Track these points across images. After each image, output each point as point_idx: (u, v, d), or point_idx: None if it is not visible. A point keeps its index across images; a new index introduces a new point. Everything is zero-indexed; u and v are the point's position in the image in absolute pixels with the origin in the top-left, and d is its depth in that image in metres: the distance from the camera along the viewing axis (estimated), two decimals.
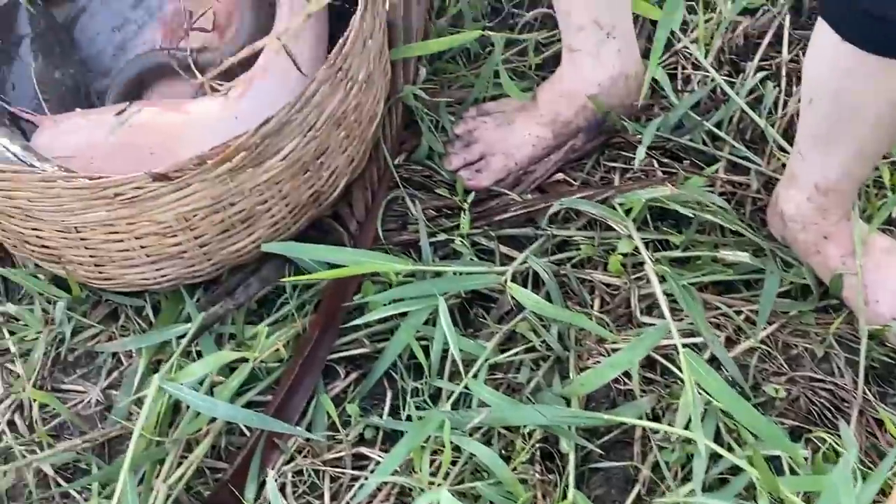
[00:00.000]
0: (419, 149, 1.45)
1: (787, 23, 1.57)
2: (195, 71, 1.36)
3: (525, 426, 1.18)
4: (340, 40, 1.22)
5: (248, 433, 1.23)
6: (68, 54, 1.43)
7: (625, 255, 1.32)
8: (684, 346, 1.13)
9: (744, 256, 1.31)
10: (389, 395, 1.27)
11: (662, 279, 1.24)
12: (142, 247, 1.25)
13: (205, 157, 1.16)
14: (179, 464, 1.20)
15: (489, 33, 1.48)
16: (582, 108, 1.42)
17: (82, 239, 1.25)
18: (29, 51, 1.41)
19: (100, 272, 1.30)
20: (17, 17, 1.43)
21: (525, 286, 1.30)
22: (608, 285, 1.34)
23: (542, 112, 1.42)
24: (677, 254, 1.34)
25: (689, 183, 1.36)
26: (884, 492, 1.08)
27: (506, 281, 1.27)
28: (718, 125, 1.45)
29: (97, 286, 1.33)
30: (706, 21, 1.55)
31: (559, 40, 1.55)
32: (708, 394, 1.13)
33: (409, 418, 1.23)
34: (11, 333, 1.34)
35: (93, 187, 1.16)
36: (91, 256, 1.27)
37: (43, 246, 1.28)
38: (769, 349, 1.27)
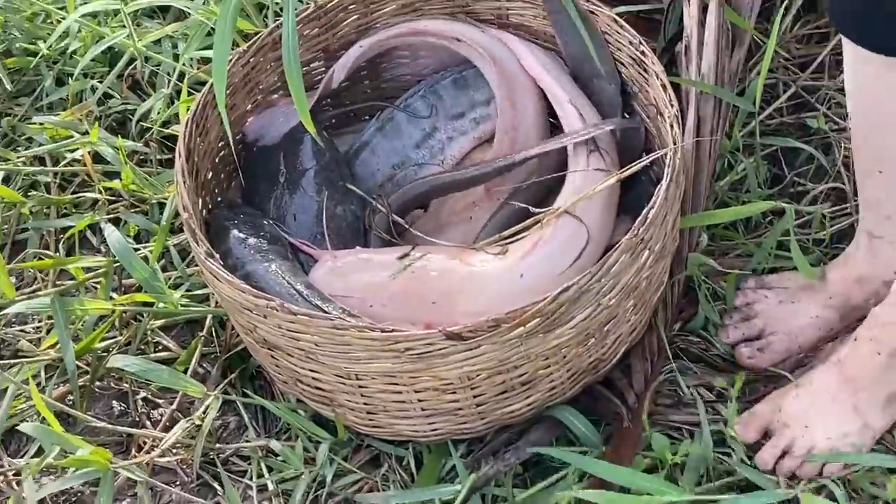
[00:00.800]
0: (696, 318, 1.43)
1: None
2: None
3: None
4: (645, 210, 1.21)
5: None
6: (349, 189, 1.45)
7: None
8: None
9: None
10: None
11: None
12: (419, 400, 1.25)
13: (500, 321, 1.16)
14: None
15: (778, 204, 1.45)
16: (875, 293, 1.37)
17: (360, 386, 1.25)
18: (312, 183, 1.44)
19: (370, 419, 1.30)
20: (303, 147, 1.46)
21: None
22: None
23: (832, 294, 1.39)
24: None
25: None
26: None
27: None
28: None
29: (363, 432, 1.34)
30: None
31: (846, 215, 1.52)
32: None
33: None
34: (270, 470, 1.35)
35: (384, 340, 1.17)
36: (365, 404, 1.28)
37: (317, 387, 1.29)
38: None
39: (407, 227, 1.42)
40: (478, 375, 1.22)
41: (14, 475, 1.38)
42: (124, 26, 1.71)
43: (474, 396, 1.25)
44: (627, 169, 1.31)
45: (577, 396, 1.33)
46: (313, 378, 1.28)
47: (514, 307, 1.17)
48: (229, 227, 1.37)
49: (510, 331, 1.17)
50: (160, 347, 1.49)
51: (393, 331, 1.17)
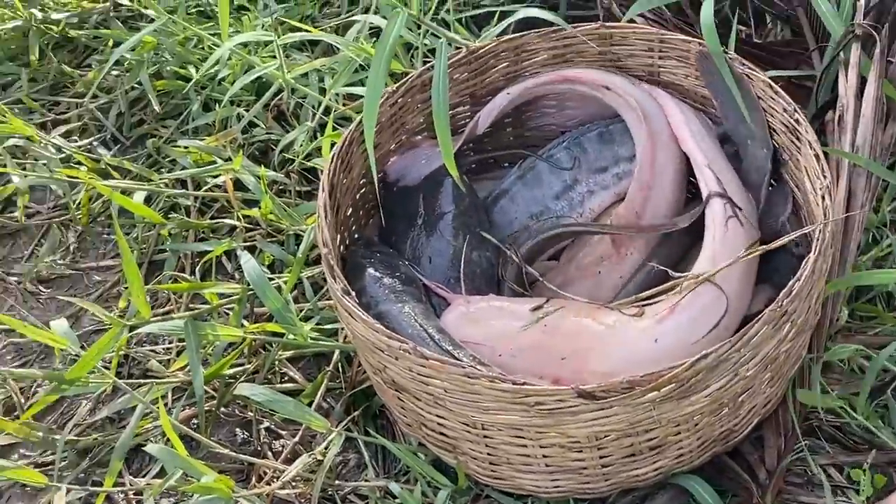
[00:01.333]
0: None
1: None
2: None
3: None
4: (790, 283, 1.19)
5: None
6: (486, 237, 1.45)
7: None
8: None
9: None
10: None
11: None
12: (544, 455, 1.24)
13: (634, 383, 1.15)
14: None
15: None
16: None
17: (485, 436, 1.25)
18: (450, 227, 1.44)
19: (492, 470, 1.29)
20: (442, 190, 1.47)
21: None
22: None
23: None
24: None
25: None
26: None
27: None
28: None
29: (484, 482, 1.33)
30: None
31: None
32: None
33: None
34: None
35: (515, 392, 1.16)
36: (489, 454, 1.27)
37: (441, 433, 1.29)
38: None
39: (539, 278, 1.42)
40: (606, 436, 1.21)
41: (135, 494, 1.40)
42: (274, 57, 1.74)
43: (601, 457, 1.24)
44: (775, 243, 1.29)
45: (704, 466, 1.31)
46: (438, 423, 1.28)
47: (645, 371, 1.16)
48: (365, 265, 1.38)
49: (644, 394, 1.15)
50: (286, 378, 1.50)
51: (524, 384, 1.17)
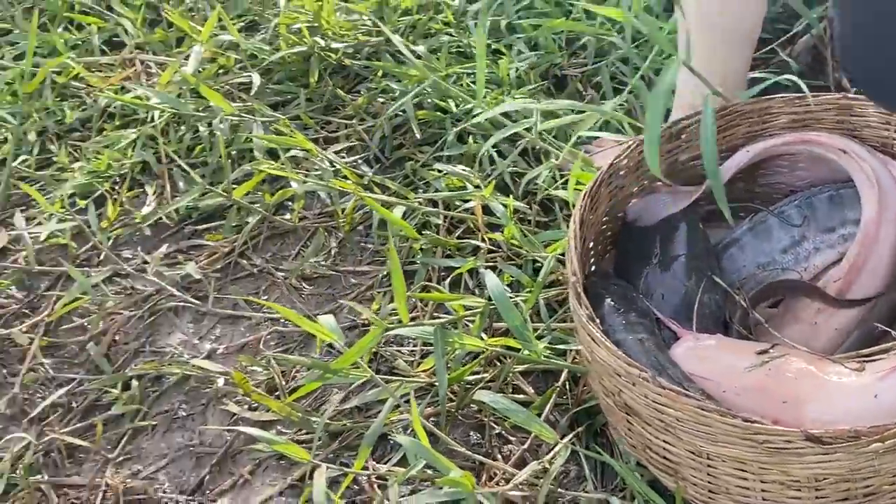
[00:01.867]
0: None
1: None
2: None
3: None
4: None
5: None
6: (716, 281, 1.46)
7: None
8: None
9: None
10: None
11: None
12: (762, 490, 1.24)
13: (860, 432, 1.14)
14: None
15: None
16: None
17: (709, 465, 1.25)
18: (683, 269, 1.46)
19: (710, 497, 1.30)
20: (678, 234, 1.48)
21: None
22: None
23: None
24: None
25: None
26: None
27: None
28: None
29: None
30: None
31: None
32: None
33: None
34: None
35: (745, 429, 1.17)
36: (708, 482, 1.28)
37: (665, 457, 1.30)
38: None
39: (763, 323, 1.42)
40: (825, 479, 1.20)
41: (377, 479, 1.45)
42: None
43: (816, 497, 1.23)
44: None
45: None
46: (664, 448, 1.29)
47: (862, 423, 1.16)
48: (604, 296, 1.40)
49: (868, 443, 1.15)
50: (517, 390, 1.53)
51: (755, 422, 1.17)
